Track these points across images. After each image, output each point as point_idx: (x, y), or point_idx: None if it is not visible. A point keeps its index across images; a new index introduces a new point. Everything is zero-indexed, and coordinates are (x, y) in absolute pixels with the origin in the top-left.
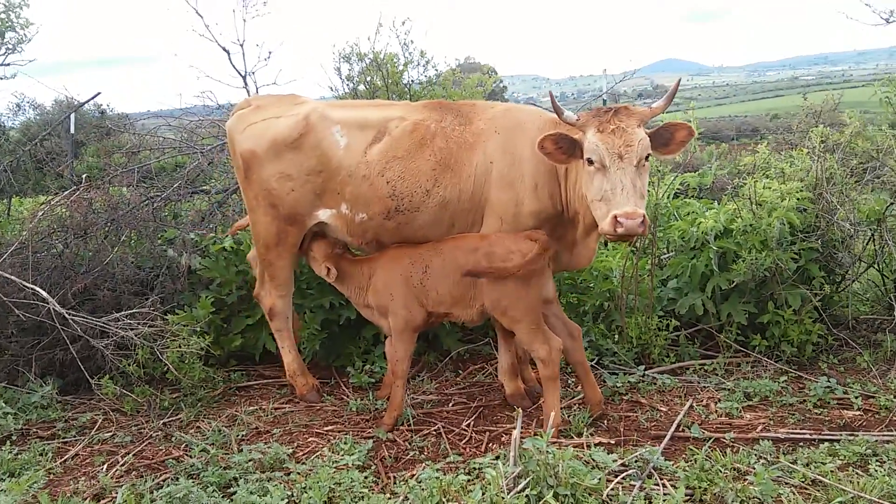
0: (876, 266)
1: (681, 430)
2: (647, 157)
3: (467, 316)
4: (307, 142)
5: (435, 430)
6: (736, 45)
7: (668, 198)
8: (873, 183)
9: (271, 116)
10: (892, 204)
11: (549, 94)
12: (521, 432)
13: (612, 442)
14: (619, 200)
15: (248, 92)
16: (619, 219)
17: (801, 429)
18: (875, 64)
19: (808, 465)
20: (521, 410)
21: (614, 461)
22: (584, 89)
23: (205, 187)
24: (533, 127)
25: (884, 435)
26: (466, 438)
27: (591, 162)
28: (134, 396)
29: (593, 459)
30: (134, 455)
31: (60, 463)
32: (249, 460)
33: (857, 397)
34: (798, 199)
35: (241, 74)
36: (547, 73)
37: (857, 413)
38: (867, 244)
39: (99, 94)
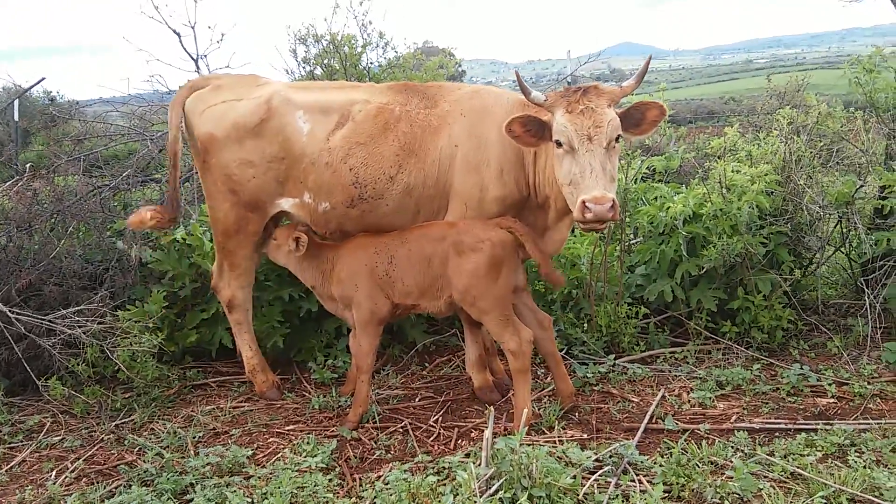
0: (843, 249)
1: (654, 421)
2: (617, 139)
3: (435, 308)
4: (269, 127)
5: (402, 428)
6: (691, 29)
7: (635, 182)
8: (839, 165)
9: (232, 98)
10: (861, 186)
11: (515, 73)
12: (493, 429)
13: (585, 436)
14: (588, 184)
15: (199, 76)
16: (587, 204)
17: (775, 418)
18: (828, 47)
19: (786, 456)
20: (492, 409)
21: (588, 458)
22: (542, 73)
23: (156, 176)
24: (500, 110)
25: (860, 423)
26: (435, 435)
27: (559, 144)
28: (84, 397)
29: (567, 456)
30: (84, 460)
31: (6, 470)
32: (207, 464)
33: (830, 384)
34: (766, 182)
35: (192, 58)
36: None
37: (832, 401)
38: (835, 227)
39: (44, 79)
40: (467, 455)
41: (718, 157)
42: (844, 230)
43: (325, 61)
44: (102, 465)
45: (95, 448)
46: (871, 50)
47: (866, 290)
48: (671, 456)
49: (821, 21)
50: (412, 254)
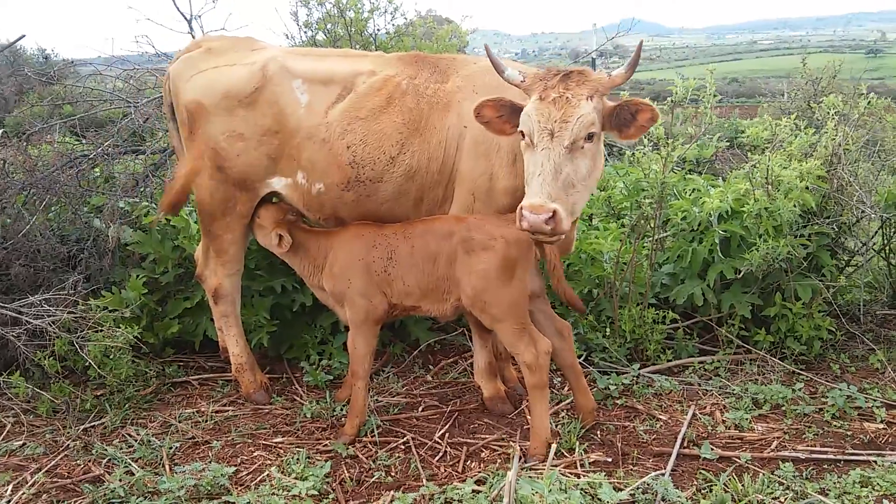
0: (883, 254)
1: (686, 445)
2: (589, 138)
3: (439, 311)
4: (263, 97)
5: (403, 444)
6: (696, 8)
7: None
8: (881, 161)
9: (224, 64)
10: None
11: (485, 47)
12: (517, 471)
13: (610, 460)
14: (531, 188)
15: (193, 37)
16: (522, 211)
17: (821, 446)
18: (833, 30)
19: (840, 496)
20: (517, 447)
21: (618, 491)
22: (545, 46)
23: (140, 147)
24: (517, 89)
25: None
26: (440, 454)
27: (523, 135)
28: (50, 396)
29: (594, 492)
30: (46, 472)
31: None
32: (182, 486)
33: (879, 407)
34: (812, 179)
35: (185, 18)
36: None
37: (881, 426)
38: (878, 230)
39: (23, 36)
40: (478, 482)
41: (755, 147)
42: (888, 234)
43: (329, 26)
44: (66, 480)
45: (60, 456)
46: (877, 34)
47: None
48: (711, 492)
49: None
50: (415, 251)
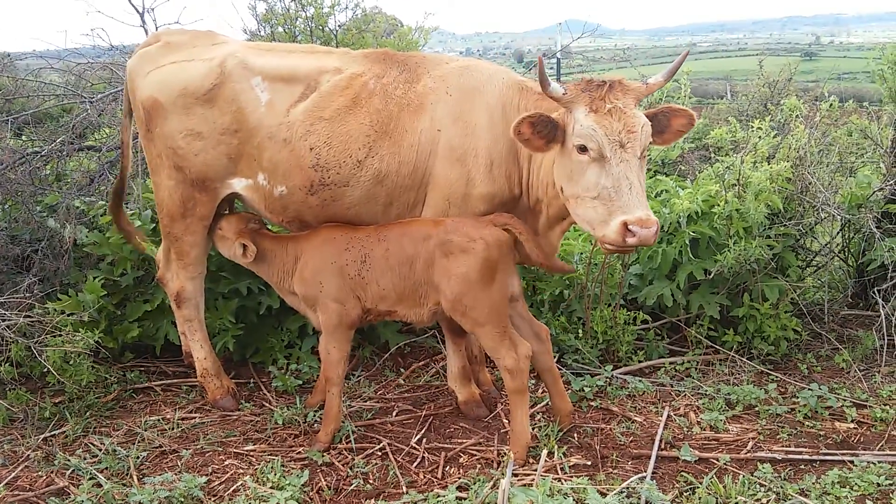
0: (842, 255)
1: (664, 447)
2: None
3: (416, 316)
4: (222, 94)
5: (380, 450)
6: (636, 10)
7: None
8: (843, 163)
9: (182, 59)
10: (881, 189)
11: (538, 59)
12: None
13: (589, 463)
14: (628, 203)
15: (146, 31)
16: (630, 227)
17: (795, 446)
18: (769, 33)
19: (821, 496)
20: (511, 454)
21: (602, 496)
22: (489, 46)
23: (94, 143)
24: (494, 91)
25: (888, 456)
26: (418, 460)
27: (583, 150)
28: (6, 404)
29: (579, 496)
30: (6, 485)
31: None
32: (153, 499)
33: (850, 407)
34: (780, 180)
35: (137, 11)
36: (452, 27)
37: (852, 426)
38: (839, 231)
39: None
40: (461, 488)
41: (719, 149)
42: (849, 234)
43: (288, 22)
44: (28, 493)
45: (20, 468)
46: (811, 38)
47: (880, 300)
48: (694, 494)
49: (763, 8)
50: (390, 254)
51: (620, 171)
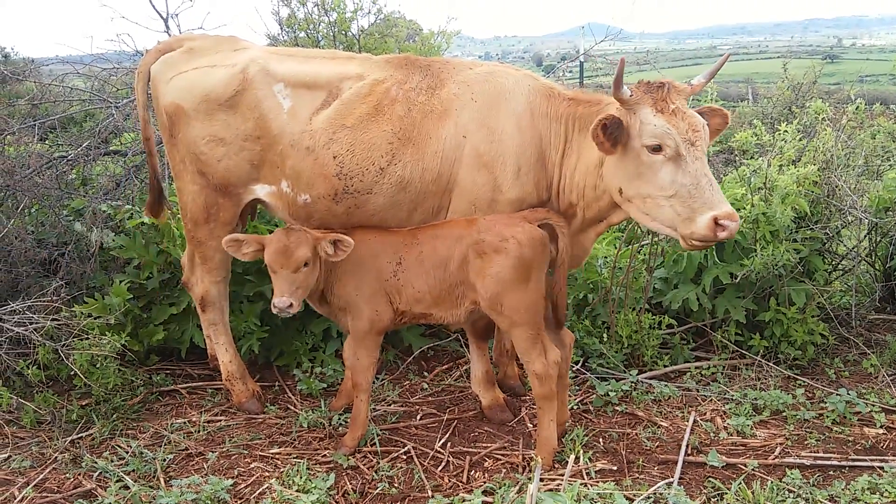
0: (869, 259)
1: (691, 452)
2: None
3: (452, 317)
4: (244, 101)
5: (405, 454)
6: (657, 13)
7: None
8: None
9: (205, 65)
10: None
11: (620, 60)
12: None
13: (615, 468)
14: (711, 198)
15: (169, 37)
16: (720, 221)
17: (824, 451)
18: (790, 36)
19: (851, 503)
20: (539, 459)
21: (629, 501)
22: (508, 50)
23: (120, 148)
24: (521, 96)
25: None
26: (443, 464)
27: (657, 149)
28: (34, 406)
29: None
30: (35, 487)
31: None
32: (180, 502)
33: (879, 412)
34: (807, 184)
35: (161, 16)
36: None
37: (881, 432)
38: (866, 235)
39: None
40: (486, 493)
41: (744, 152)
42: (877, 238)
43: (311, 27)
44: (56, 494)
45: (48, 470)
46: (833, 41)
47: None
48: (722, 501)
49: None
50: (425, 256)
51: (698, 169)
